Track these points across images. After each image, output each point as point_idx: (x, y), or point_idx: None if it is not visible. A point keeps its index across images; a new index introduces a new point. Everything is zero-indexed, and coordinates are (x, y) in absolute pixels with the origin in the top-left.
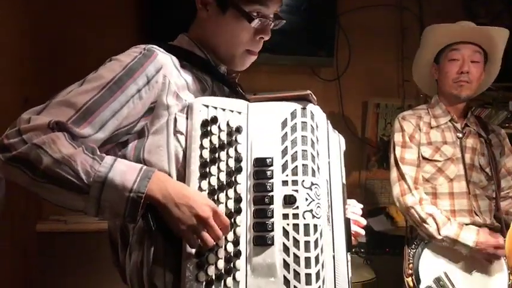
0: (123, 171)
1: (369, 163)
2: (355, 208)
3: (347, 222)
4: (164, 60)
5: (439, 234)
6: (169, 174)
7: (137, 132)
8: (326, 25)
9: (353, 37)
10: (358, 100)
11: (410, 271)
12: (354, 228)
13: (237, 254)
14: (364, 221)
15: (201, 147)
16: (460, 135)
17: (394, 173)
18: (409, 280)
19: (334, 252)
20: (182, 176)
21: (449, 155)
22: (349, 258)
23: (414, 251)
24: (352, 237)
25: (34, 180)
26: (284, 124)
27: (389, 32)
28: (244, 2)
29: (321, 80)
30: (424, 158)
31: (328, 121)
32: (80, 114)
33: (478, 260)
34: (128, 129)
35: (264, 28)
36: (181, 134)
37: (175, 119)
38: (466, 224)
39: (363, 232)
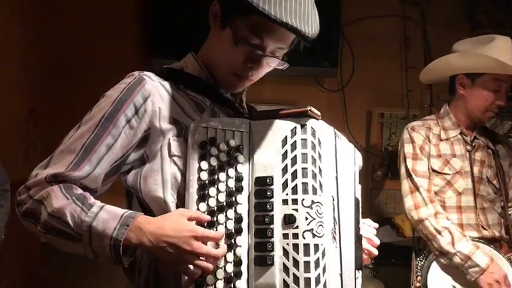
0: (105, 220)
1: (373, 173)
2: (369, 227)
3: (359, 238)
4: (152, 88)
5: (453, 247)
6: (164, 198)
7: (139, 159)
8: (330, 35)
9: (357, 47)
10: (363, 110)
11: (418, 284)
12: (367, 246)
13: (238, 274)
14: (377, 241)
15: (199, 169)
16: (470, 148)
17: (405, 185)
18: None
19: (341, 270)
20: (183, 197)
21: (458, 168)
22: (358, 275)
23: (423, 263)
24: (365, 255)
25: (41, 231)
26: (284, 142)
27: (392, 41)
28: (243, 25)
29: (325, 90)
30: (433, 170)
31: (338, 134)
32: (79, 156)
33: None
34: (123, 159)
35: (254, 58)
36: (179, 157)
37: (169, 144)
38: (474, 239)
39: (376, 252)
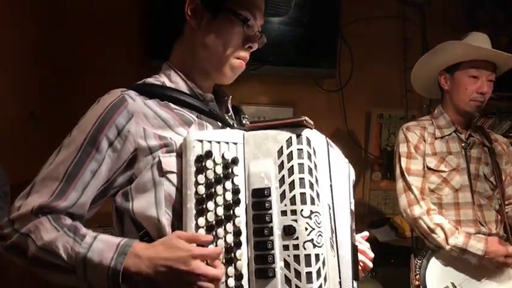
0: (101, 250)
1: (372, 173)
2: (363, 240)
3: (355, 249)
4: (135, 108)
5: (447, 244)
6: (157, 217)
7: (127, 181)
8: (329, 36)
9: (356, 48)
10: (361, 111)
11: (417, 282)
12: (362, 258)
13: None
14: (372, 254)
15: (196, 183)
16: (465, 145)
17: (400, 184)
18: None
19: (340, 278)
20: (179, 214)
21: (454, 165)
22: (355, 285)
23: (421, 261)
24: (360, 267)
25: (29, 265)
26: (280, 152)
27: (391, 42)
28: (236, 7)
29: (324, 91)
30: (429, 168)
31: (330, 143)
32: (63, 184)
33: (485, 270)
34: (109, 183)
35: (252, 37)
36: (172, 172)
37: (160, 161)
38: (472, 234)
39: (371, 265)
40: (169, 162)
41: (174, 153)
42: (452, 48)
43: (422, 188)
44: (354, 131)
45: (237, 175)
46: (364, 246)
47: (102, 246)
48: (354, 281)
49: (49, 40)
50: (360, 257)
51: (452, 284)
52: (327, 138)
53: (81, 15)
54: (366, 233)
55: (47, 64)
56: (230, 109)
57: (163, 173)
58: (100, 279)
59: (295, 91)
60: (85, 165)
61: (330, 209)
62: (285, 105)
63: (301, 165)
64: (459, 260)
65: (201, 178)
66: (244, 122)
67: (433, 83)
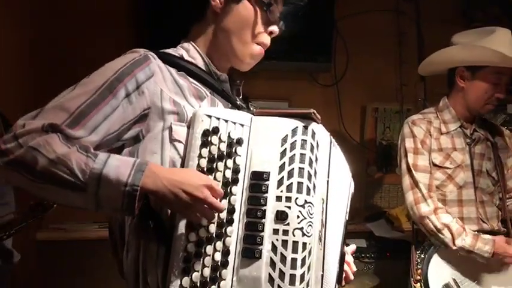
0: (117, 166)
1: (368, 168)
2: (348, 255)
3: (343, 257)
4: (156, 68)
5: (454, 245)
6: None
7: (133, 138)
8: (324, 31)
9: (351, 42)
10: (357, 105)
11: (418, 277)
12: (346, 268)
13: (224, 263)
14: (355, 268)
15: (200, 156)
16: (469, 141)
17: (406, 181)
18: (417, 286)
19: (323, 271)
20: None
21: (459, 161)
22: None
23: (423, 256)
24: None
25: (33, 181)
26: (284, 140)
27: (387, 36)
28: None
29: (319, 86)
30: (434, 164)
31: (333, 142)
32: (73, 117)
33: (487, 267)
34: (118, 133)
35: (274, 22)
36: (179, 142)
37: (171, 128)
38: (474, 231)
39: (352, 277)
40: (180, 131)
41: (185, 124)
42: (482, 52)
43: (430, 184)
44: (349, 125)
45: (240, 155)
46: (350, 258)
47: (118, 162)
48: (336, 284)
49: (43, 37)
50: (345, 267)
51: (454, 280)
52: (332, 137)
53: (76, 12)
54: (353, 247)
55: (41, 61)
56: (241, 93)
57: (172, 140)
58: (113, 197)
59: (291, 85)
60: (99, 107)
61: (323, 203)
62: (280, 100)
63: (302, 155)
64: (462, 256)
65: (205, 152)
66: (251, 108)
67: (443, 71)
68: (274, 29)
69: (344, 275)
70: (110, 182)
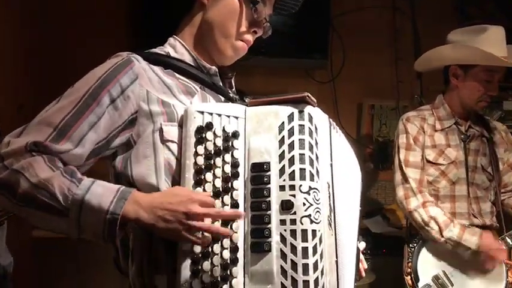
0: (100, 194)
1: (364, 164)
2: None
3: (358, 251)
4: (140, 70)
5: (442, 236)
6: (157, 185)
7: (124, 145)
8: (320, 27)
9: (347, 39)
10: (353, 101)
11: (409, 269)
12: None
13: (234, 261)
14: (365, 264)
15: (196, 154)
16: (464, 137)
17: (398, 176)
18: (408, 278)
19: (337, 257)
20: (178, 184)
21: (452, 158)
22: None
23: (413, 249)
24: None
25: (16, 204)
26: (281, 128)
27: (382, 33)
28: None
29: (315, 82)
30: (427, 161)
31: (333, 124)
32: (58, 131)
33: (476, 261)
34: (107, 141)
35: (259, 22)
36: (172, 142)
37: (161, 129)
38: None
39: (363, 274)
40: (171, 131)
41: (176, 123)
42: (472, 52)
43: (421, 180)
44: (346, 122)
45: (237, 149)
46: (361, 256)
47: (101, 190)
48: (356, 278)
49: (39, 35)
50: None
51: (444, 272)
52: (331, 120)
53: (71, 10)
54: (363, 244)
55: (36, 59)
56: (233, 85)
57: (164, 141)
58: (95, 224)
59: (287, 82)
60: (84, 116)
61: (329, 187)
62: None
63: (301, 141)
64: (451, 250)
65: (201, 149)
66: (246, 100)
67: (440, 68)
68: (258, 30)
69: None
70: (92, 208)
